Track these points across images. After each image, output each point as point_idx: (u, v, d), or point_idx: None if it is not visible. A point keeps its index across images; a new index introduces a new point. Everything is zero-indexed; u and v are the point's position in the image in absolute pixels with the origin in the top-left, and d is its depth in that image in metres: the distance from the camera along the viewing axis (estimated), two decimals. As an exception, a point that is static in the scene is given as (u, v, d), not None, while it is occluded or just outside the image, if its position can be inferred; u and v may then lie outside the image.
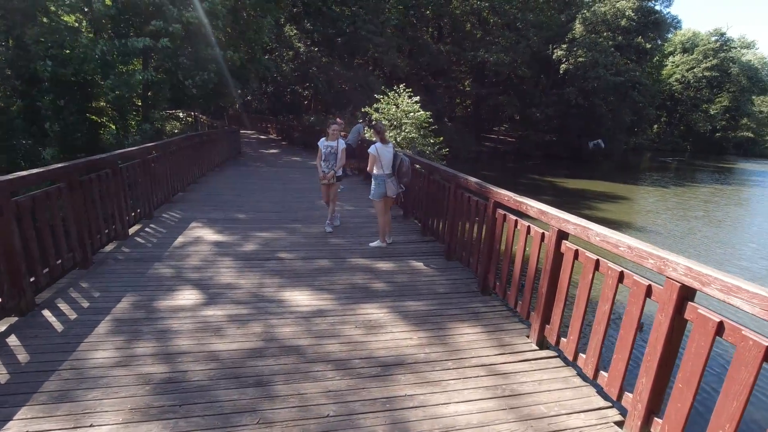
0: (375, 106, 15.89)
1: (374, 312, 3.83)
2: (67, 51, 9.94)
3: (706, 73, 52.10)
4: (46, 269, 3.81)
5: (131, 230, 5.67)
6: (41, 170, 3.82)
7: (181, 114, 15.82)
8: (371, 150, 5.44)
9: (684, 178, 29.54)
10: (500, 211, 4.07)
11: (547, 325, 3.34)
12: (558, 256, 3.23)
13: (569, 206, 3.88)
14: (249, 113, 30.64)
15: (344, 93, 22.04)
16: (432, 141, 15.99)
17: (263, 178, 10.87)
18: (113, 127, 13.08)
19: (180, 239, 5.50)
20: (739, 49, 56.13)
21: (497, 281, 4.15)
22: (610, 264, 2.70)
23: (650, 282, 2.42)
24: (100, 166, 4.90)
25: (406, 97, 15.83)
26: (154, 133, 11.85)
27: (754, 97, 56.12)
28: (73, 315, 3.49)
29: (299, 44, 21.57)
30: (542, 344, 3.41)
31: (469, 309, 4.00)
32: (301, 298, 4.01)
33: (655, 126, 58.45)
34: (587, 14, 35.34)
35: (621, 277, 2.62)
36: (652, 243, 2.62)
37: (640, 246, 2.45)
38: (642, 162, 42.15)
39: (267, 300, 3.93)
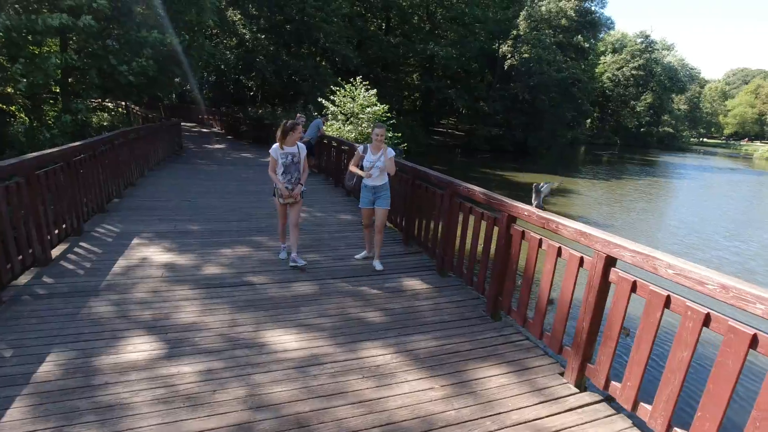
0: (331, 98, 15.04)
1: (379, 354, 3.18)
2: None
3: (634, 72, 55.81)
4: (-69, 322, 2.78)
5: (55, 252, 4.56)
6: None
7: (110, 104, 13.99)
8: (394, 153, 4.73)
9: (621, 171, 31.34)
10: (516, 227, 3.56)
11: (589, 364, 2.88)
12: (604, 285, 2.76)
13: (526, 201, 3.49)
14: (187, 104, 28.36)
15: (294, 84, 20.82)
16: (390, 135, 15.44)
17: (213, 179, 9.73)
18: (24, 118, 11.21)
19: (121, 262, 4.48)
20: (660, 50, 60.65)
21: (513, 306, 3.65)
22: (691, 303, 2.25)
23: (756, 330, 1.98)
24: (7, 174, 3.80)
25: (363, 91, 15.11)
26: (77, 126, 10.24)
27: (673, 95, 61.08)
28: (-27, 390, 2.52)
29: (244, 30, 19.99)
30: (581, 385, 2.94)
31: (485, 341, 3.46)
32: (286, 339, 3.27)
33: (588, 121, 62.01)
34: (531, 11, 36.30)
35: (707, 320, 2.17)
36: (620, 236, 2.21)
37: (740, 287, 2.00)
38: (579, 156, 44.40)
39: (245, 344, 3.15)
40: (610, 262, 2.72)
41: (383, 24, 35.14)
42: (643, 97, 59.20)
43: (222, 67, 20.16)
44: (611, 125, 62.91)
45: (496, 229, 3.83)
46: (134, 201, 7.11)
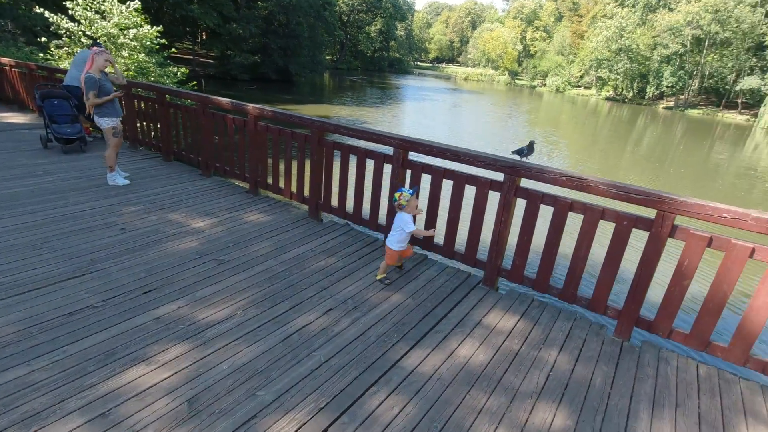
0: (72, 12, 9.59)
1: None
2: None
3: (364, -2, 58.95)
4: None
5: None
6: None
7: None
8: None
9: (387, 97, 33.65)
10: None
11: None
12: None
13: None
14: None
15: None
16: (174, 70, 11.39)
17: None
18: None
19: None
20: (382, -23, 65.49)
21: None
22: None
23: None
24: None
25: (116, 3, 10.22)
26: None
27: (397, 23, 68.33)
28: None
29: None
30: None
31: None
32: None
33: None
34: None
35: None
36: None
37: None
38: (329, 82, 45.14)
39: None
40: None
41: None
42: (374, 23, 63.93)
43: None
44: (351, 50, 66.24)
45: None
46: None
